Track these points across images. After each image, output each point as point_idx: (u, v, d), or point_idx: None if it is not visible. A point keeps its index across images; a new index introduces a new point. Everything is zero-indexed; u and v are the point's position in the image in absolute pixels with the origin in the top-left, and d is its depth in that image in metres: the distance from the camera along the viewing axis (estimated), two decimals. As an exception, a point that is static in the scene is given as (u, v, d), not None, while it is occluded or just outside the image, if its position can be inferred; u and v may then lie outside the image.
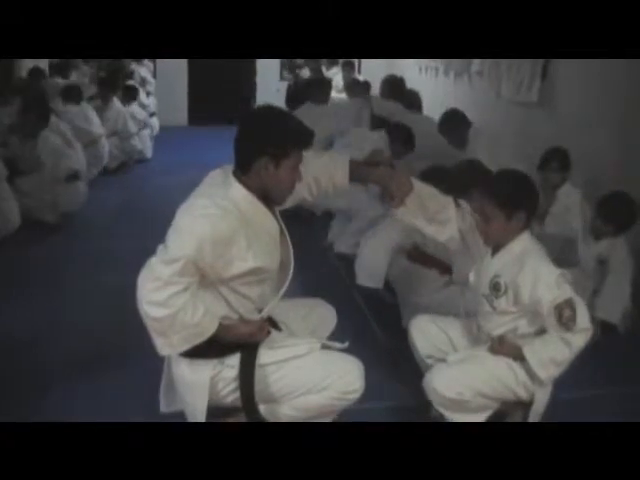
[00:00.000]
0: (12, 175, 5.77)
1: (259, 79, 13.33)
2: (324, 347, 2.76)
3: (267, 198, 2.60)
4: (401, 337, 3.37)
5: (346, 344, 2.79)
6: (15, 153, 5.95)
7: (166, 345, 2.52)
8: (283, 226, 2.74)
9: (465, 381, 2.80)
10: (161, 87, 12.06)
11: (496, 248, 2.91)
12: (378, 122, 5.38)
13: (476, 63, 8.23)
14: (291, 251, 2.78)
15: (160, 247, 2.50)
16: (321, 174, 2.88)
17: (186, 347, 2.52)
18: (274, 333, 2.77)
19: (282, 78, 11.35)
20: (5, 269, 4.94)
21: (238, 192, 2.54)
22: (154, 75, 12.08)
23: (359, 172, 2.93)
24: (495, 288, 2.84)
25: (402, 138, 5.26)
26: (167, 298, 2.40)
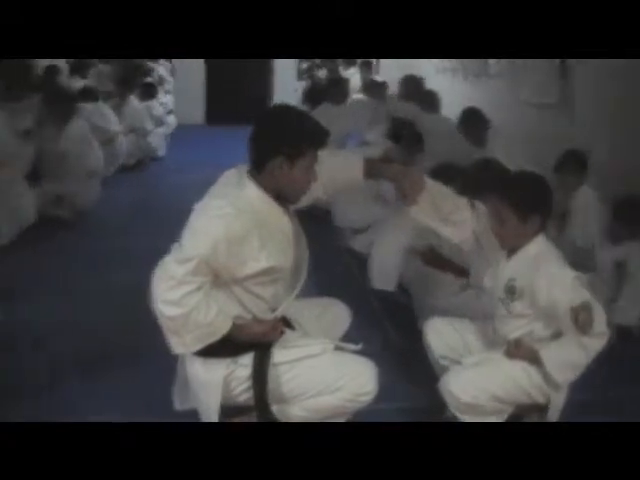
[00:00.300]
0: (33, 171, 5.82)
1: (276, 79, 13.34)
2: (337, 348, 2.75)
3: (282, 197, 2.60)
4: (415, 338, 3.35)
5: (359, 346, 2.78)
6: (39, 148, 5.97)
7: (180, 344, 2.53)
8: (298, 225, 2.73)
9: (480, 384, 2.78)
10: (179, 85, 12.07)
11: (511, 251, 2.89)
12: (395, 122, 5.37)
13: (493, 64, 8.20)
14: (306, 251, 2.77)
15: (174, 246, 2.51)
16: (336, 173, 2.87)
17: (199, 346, 2.53)
18: (288, 332, 2.76)
19: (300, 78, 11.34)
20: (20, 265, 4.95)
21: (253, 192, 2.54)
22: (172, 73, 12.10)
23: (373, 169, 2.91)
24: (510, 291, 2.82)
25: (410, 137, 5.24)
26: (181, 297, 2.42)
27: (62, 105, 6.30)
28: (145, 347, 3.50)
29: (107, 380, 3.47)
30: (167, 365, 2.86)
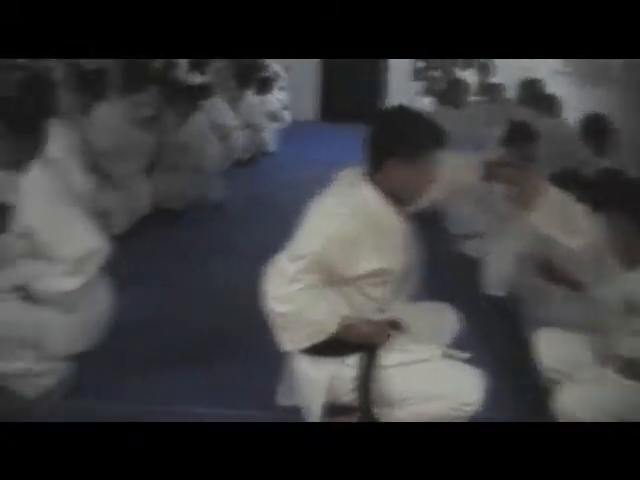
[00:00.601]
0: (150, 162, 6.01)
1: (391, 78, 13.26)
2: (445, 355, 2.71)
3: (397, 199, 2.57)
4: (524, 348, 3.27)
5: (468, 354, 2.73)
6: (157, 141, 6.16)
7: (289, 341, 2.56)
8: (411, 228, 2.71)
9: (595, 404, 2.67)
10: (293, 81, 12.18)
11: (631, 264, 2.77)
12: (512, 126, 5.24)
13: (615, 67, 7.87)
14: (417, 253, 2.75)
15: (288, 244, 2.53)
16: (452, 175, 2.83)
17: (308, 344, 2.55)
18: (396, 335, 2.74)
19: (415, 78, 11.24)
20: (131, 254, 5.10)
21: (368, 192, 2.53)
22: (286, 69, 12.23)
23: (491, 172, 2.86)
24: (630, 307, 2.70)
25: (526, 141, 5.10)
26: (291, 294, 2.45)
27: (183, 100, 6.47)
28: (250, 341, 3.55)
29: (210, 373, 3.54)
30: (271, 360, 2.88)
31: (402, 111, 2.62)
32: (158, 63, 8.25)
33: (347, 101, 13.02)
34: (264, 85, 9.73)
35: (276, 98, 10.49)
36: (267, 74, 10.56)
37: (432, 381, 2.62)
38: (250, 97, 9.12)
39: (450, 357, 2.72)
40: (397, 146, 2.48)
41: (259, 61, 10.76)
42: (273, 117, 9.81)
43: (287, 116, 11.15)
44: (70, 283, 3.09)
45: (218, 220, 6.33)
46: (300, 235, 2.50)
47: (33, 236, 3.07)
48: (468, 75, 10.59)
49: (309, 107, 13.34)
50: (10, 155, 3.15)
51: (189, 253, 5.40)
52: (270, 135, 9.64)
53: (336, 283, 2.57)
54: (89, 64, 5.78)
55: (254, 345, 3.46)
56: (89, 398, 3.26)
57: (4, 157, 3.17)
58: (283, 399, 2.90)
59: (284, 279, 2.46)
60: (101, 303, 3.33)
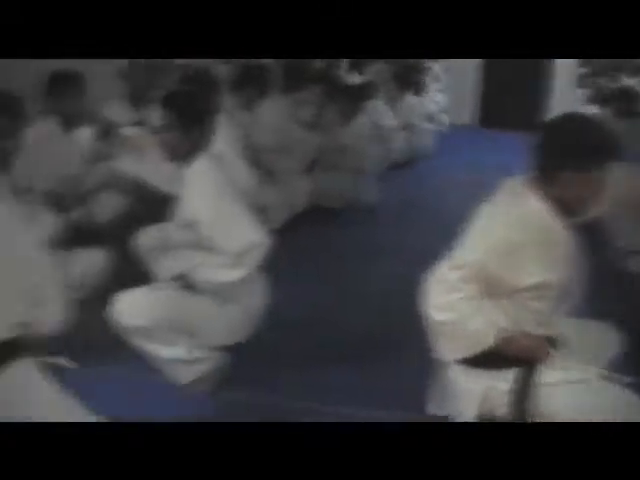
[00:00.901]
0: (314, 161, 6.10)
1: (556, 84, 12.81)
2: (603, 376, 2.56)
3: (566, 211, 2.46)
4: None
5: (630, 379, 2.56)
6: (319, 139, 6.23)
7: (447, 350, 2.52)
8: (576, 240, 2.58)
9: None
10: (452, 83, 12.00)
11: None
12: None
13: None
14: (581, 267, 2.61)
15: (443, 249, 2.49)
16: (623, 186, 2.69)
17: (466, 354, 2.49)
18: (554, 352, 2.62)
19: (580, 85, 10.78)
20: (289, 250, 5.15)
21: (536, 203, 2.43)
22: (446, 71, 12.07)
23: None
24: None
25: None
26: (451, 303, 2.41)
27: (345, 100, 6.53)
28: (402, 345, 3.50)
29: (362, 374, 3.52)
30: (423, 365, 2.82)
31: (576, 119, 2.51)
32: (319, 62, 8.35)
33: (507, 106, 12.69)
34: (423, 87, 9.67)
35: (434, 100, 10.39)
36: (426, 76, 10.48)
37: (588, 404, 2.48)
38: (409, 98, 9.08)
39: (610, 380, 2.57)
40: (572, 156, 2.37)
41: (419, 62, 10.71)
42: (431, 120, 9.73)
43: (444, 119, 11.01)
44: (230, 275, 3.16)
45: (372, 221, 6.33)
46: (464, 243, 2.46)
47: (196, 227, 3.17)
48: (637, 83, 10.10)
49: (467, 111, 13.11)
50: (178, 147, 3.26)
51: (343, 253, 5.43)
52: (427, 138, 9.56)
53: (495, 294, 2.49)
54: (252, 62, 5.93)
55: (406, 349, 3.44)
56: (241, 390, 3.33)
57: (172, 148, 3.28)
58: (434, 408, 2.85)
59: (444, 287, 2.42)
60: (258, 297, 3.39)
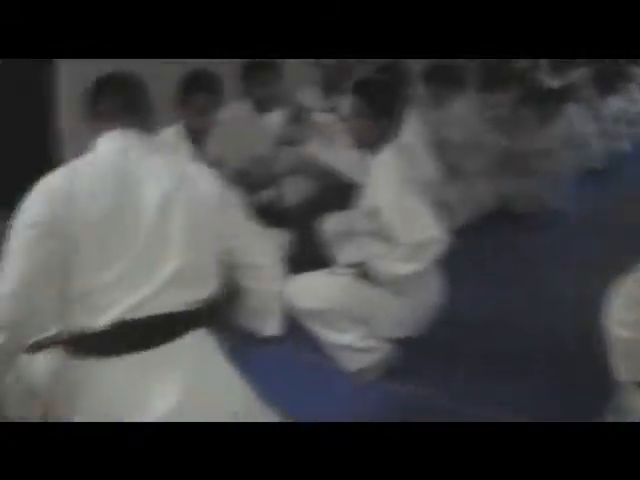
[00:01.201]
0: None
1: None
2: None
3: None
4: None
5: None
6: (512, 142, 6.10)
7: (626, 370, 2.33)
8: None
9: None
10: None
11: None
12: None
13: None
14: None
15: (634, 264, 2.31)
16: None
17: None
18: None
19: None
20: (470, 250, 5.02)
21: None
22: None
23: None
24: None
25: None
26: (638, 321, 2.22)
27: (543, 103, 6.34)
28: (576, 358, 3.34)
29: (527, 383, 3.37)
30: (596, 381, 2.62)
31: None
32: (520, 63, 8.13)
33: None
34: (625, 90, 9.15)
35: (637, 105, 9.79)
36: (629, 79, 9.90)
37: None
38: (610, 103, 8.63)
39: None
40: None
41: (621, 65, 10.16)
42: (632, 125, 9.19)
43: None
44: (406, 268, 3.15)
45: (560, 227, 6.07)
46: None
47: (378, 216, 3.17)
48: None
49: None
50: (366, 135, 3.27)
51: (528, 257, 5.26)
52: (628, 144, 9.03)
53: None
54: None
55: (581, 363, 3.26)
56: (408, 384, 3.30)
57: (360, 136, 3.30)
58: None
59: (632, 303, 2.24)
60: (432, 293, 3.35)
